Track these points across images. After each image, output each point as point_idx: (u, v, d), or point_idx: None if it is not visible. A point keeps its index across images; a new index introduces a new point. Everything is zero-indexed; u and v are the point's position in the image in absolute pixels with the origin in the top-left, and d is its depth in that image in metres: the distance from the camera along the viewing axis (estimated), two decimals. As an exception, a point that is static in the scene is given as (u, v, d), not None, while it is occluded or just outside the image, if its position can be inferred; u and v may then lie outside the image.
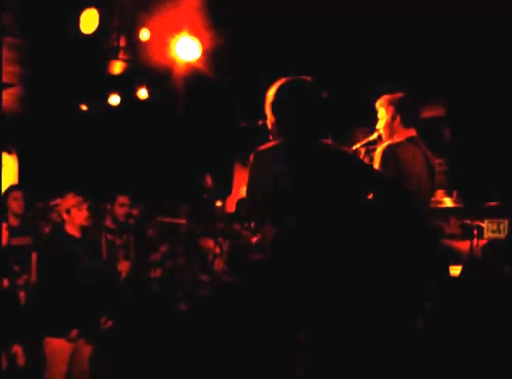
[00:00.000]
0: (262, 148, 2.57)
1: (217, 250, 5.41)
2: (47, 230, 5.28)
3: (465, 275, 5.28)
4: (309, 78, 2.62)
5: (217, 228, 5.71)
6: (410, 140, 3.24)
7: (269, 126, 2.68)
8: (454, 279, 5.31)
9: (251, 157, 2.55)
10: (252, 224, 5.21)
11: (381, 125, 3.37)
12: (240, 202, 6.91)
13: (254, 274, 2.61)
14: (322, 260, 2.44)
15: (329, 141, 2.67)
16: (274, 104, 2.60)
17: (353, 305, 2.52)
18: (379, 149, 3.16)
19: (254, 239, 4.41)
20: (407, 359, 3.03)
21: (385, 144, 3.19)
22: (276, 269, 2.48)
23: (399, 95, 3.34)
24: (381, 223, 2.99)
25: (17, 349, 3.67)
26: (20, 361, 3.69)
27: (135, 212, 5.45)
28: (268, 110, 2.64)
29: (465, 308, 4.87)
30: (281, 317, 2.46)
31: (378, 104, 3.39)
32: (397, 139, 3.24)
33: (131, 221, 5.07)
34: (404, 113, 3.28)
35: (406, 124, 3.28)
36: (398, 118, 3.28)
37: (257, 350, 2.56)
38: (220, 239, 5.53)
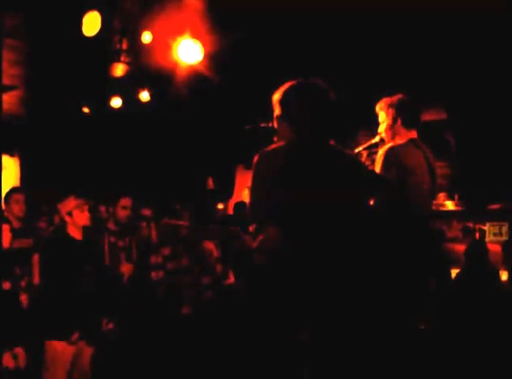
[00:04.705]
0: (267, 149, 2.57)
1: (216, 254, 5.40)
2: (48, 232, 5.29)
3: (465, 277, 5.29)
4: (319, 80, 2.62)
5: (218, 231, 5.70)
6: (412, 141, 3.24)
7: (276, 126, 2.67)
8: (455, 280, 5.33)
9: (255, 158, 2.54)
10: (250, 227, 5.20)
11: (382, 128, 3.37)
12: (237, 205, 6.89)
13: (257, 276, 2.60)
14: (325, 262, 2.44)
15: (333, 143, 2.67)
16: (284, 104, 2.60)
17: (355, 307, 2.52)
18: (381, 151, 3.16)
19: (255, 244, 4.39)
20: (408, 359, 3.03)
21: (388, 146, 3.18)
22: (280, 271, 2.48)
23: (398, 96, 3.32)
24: (382, 226, 2.99)
25: (19, 351, 3.67)
26: (21, 362, 3.68)
27: (147, 212, 5.42)
28: (276, 110, 2.64)
29: (466, 309, 4.88)
30: (284, 319, 2.46)
31: (377, 108, 3.37)
32: (399, 141, 3.24)
33: (138, 223, 5.06)
34: (404, 114, 3.27)
35: (407, 125, 3.28)
36: (399, 120, 3.27)
37: (260, 352, 2.56)
38: (219, 242, 5.53)
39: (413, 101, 3.34)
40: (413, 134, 3.28)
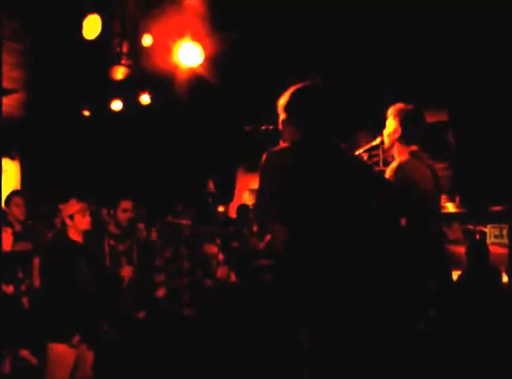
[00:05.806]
0: (274, 150, 2.57)
1: (220, 256, 5.39)
2: (49, 235, 5.28)
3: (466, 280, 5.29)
4: (324, 82, 2.62)
5: (223, 232, 5.70)
6: (412, 154, 3.23)
7: (281, 129, 2.67)
8: (456, 283, 5.32)
9: (263, 157, 2.54)
10: (255, 228, 5.19)
11: (385, 132, 3.37)
12: (240, 208, 6.90)
13: (261, 277, 2.60)
14: (329, 262, 2.44)
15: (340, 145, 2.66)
16: (289, 109, 2.60)
17: (357, 308, 2.51)
18: (389, 169, 3.16)
19: (262, 245, 4.40)
20: (409, 360, 3.03)
21: (395, 164, 3.18)
22: (284, 272, 2.48)
23: (408, 107, 3.30)
24: (386, 228, 2.99)
25: (25, 353, 3.67)
26: (33, 361, 3.69)
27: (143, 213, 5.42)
28: (282, 115, 2.64)
29: (467, 310, 4.87)
30: (285, 320, 2.46)
31: (389, 111, 3.36)
32: (402, 157, 3.23)
33: (137, 225, 5.04)
34: (405, 127, 3.26)
35: (406, 140, 3.27)
36: (399, 132, 3.27)
37: (260, 352, 2.56)
38: (222, 244, 5.52)
39: (419, 116, 3.31)
40: (413, 147, 3.27)
